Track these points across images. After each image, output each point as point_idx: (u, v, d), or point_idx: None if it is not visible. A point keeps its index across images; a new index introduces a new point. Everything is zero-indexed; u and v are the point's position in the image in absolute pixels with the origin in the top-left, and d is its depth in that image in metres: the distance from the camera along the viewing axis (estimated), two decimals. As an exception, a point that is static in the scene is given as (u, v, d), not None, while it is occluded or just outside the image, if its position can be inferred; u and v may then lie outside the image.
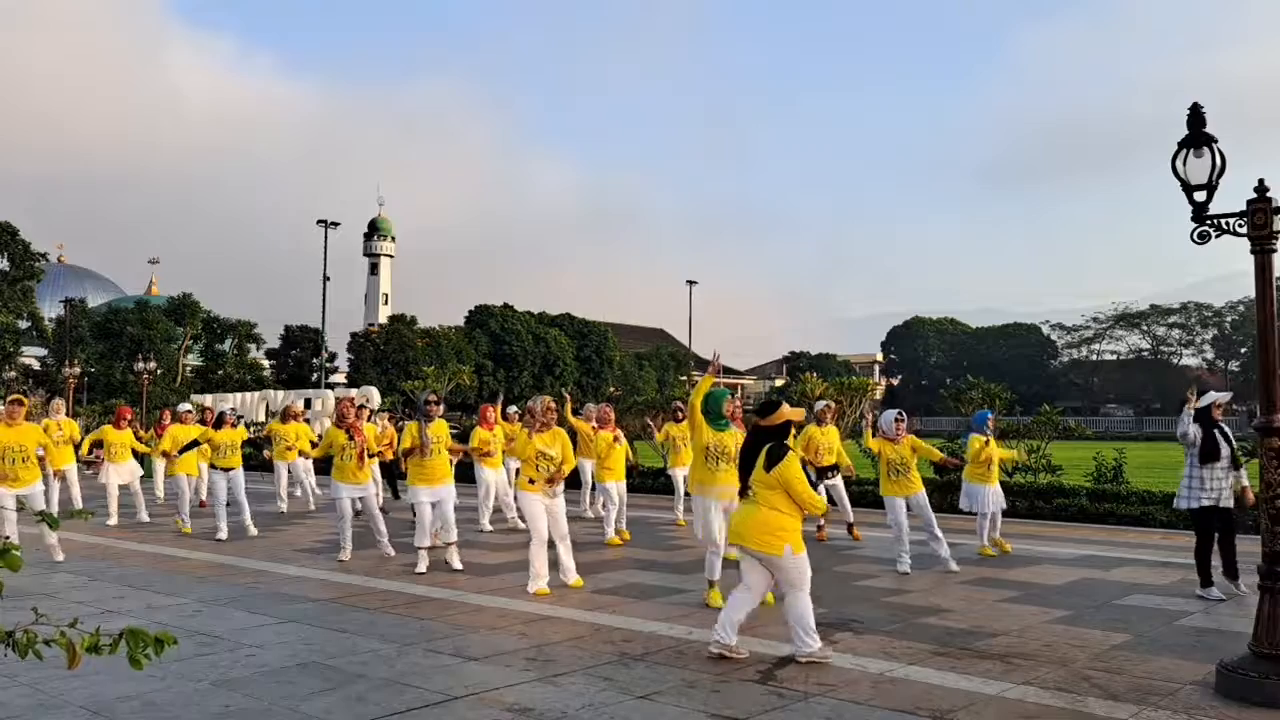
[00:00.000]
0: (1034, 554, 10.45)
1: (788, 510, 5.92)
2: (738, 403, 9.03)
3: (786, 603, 5.92)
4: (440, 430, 9.81)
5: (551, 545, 8.34)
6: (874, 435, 10.16)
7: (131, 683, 5.24)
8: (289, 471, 15.66)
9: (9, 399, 9.99)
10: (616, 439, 12.11)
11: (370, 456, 10.88)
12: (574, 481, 13.04)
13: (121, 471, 14.16)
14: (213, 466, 12.67)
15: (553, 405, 8.76)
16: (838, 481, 12.20)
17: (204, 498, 15.17)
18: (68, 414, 17.10)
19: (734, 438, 7.72)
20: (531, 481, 8.32)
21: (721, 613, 6.10)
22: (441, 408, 10.94)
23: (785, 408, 6.28)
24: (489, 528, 12.69)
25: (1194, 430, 8.12)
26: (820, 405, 13.19)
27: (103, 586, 8.62)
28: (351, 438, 10.28)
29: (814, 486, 6.08)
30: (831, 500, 12.13)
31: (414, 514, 10.03)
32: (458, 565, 9.36)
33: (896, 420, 9.69)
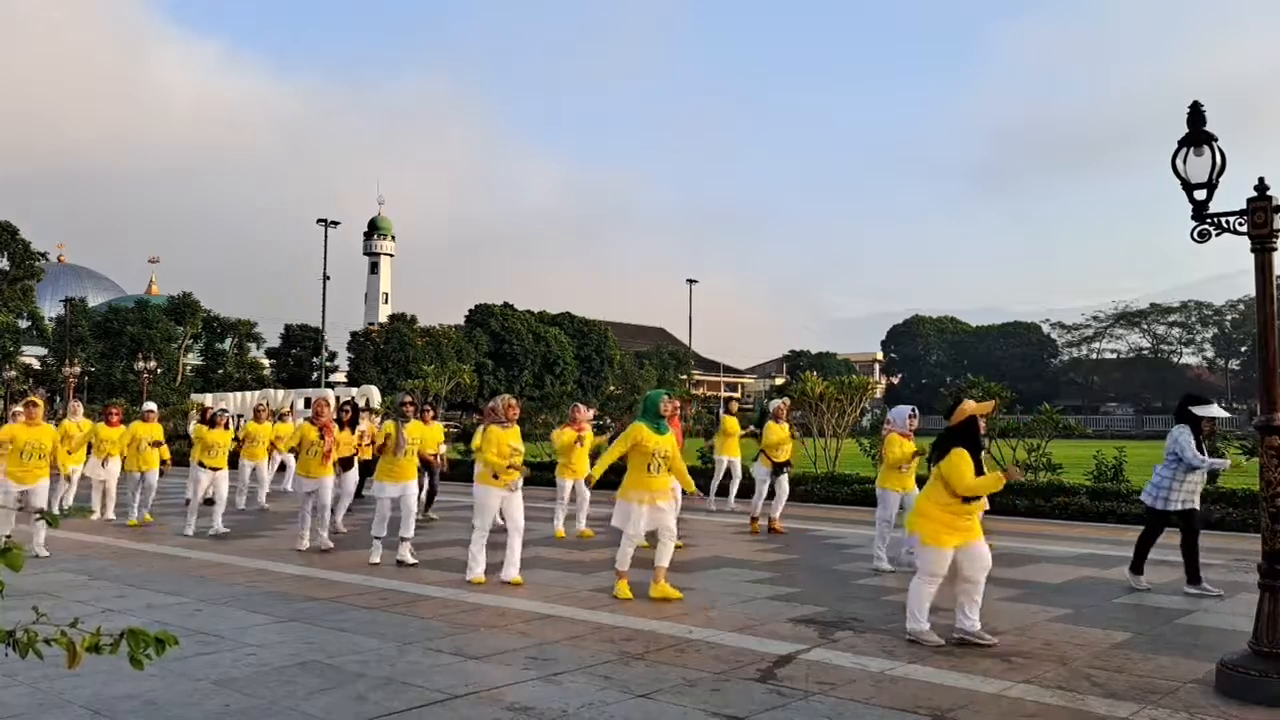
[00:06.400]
0: (1034, 552, 10.45)
1: (939, 501, 6.29)
2: (677, 402, 9.12)
3: (912, 580, 6.31)
4: (417, 431, 10.18)
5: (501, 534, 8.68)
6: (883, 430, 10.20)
7: (132, 682, 5.24)
8: (253, 470, 16.17)
9: (26, 401, 10.26)
10: (579, 439, 12.19)
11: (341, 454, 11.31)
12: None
13: (111, 468, 14.30)
14: (200, 465, 12.73)
15: (514, 403, 9.02)
16: (784, 477, 12.77)
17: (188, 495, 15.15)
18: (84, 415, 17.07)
19: (672, 441, 7.94)
20: (496, 476, 8.54)
21: (957, 609, 6.34)
22: (431, 410, 11.20)
23: (968, 403, 6.42)
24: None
25: (1193, 439, 8.18)
26: (776, 403, 13.46)
27: (103, 585, 8.62)
28: (322, 436, 10.73)
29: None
30: (772, 492, 12.60)
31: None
32: (411, 560, 9.59)
33: (911, 416, 9.69)
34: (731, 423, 15.17)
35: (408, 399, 10.52)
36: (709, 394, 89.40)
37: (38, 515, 2.61)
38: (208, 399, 39.36)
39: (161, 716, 4.78)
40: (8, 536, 2.23)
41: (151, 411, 14.75)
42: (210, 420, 13.27)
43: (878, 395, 75.93)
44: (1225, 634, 6.53)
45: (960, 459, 6.26)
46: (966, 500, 6.29)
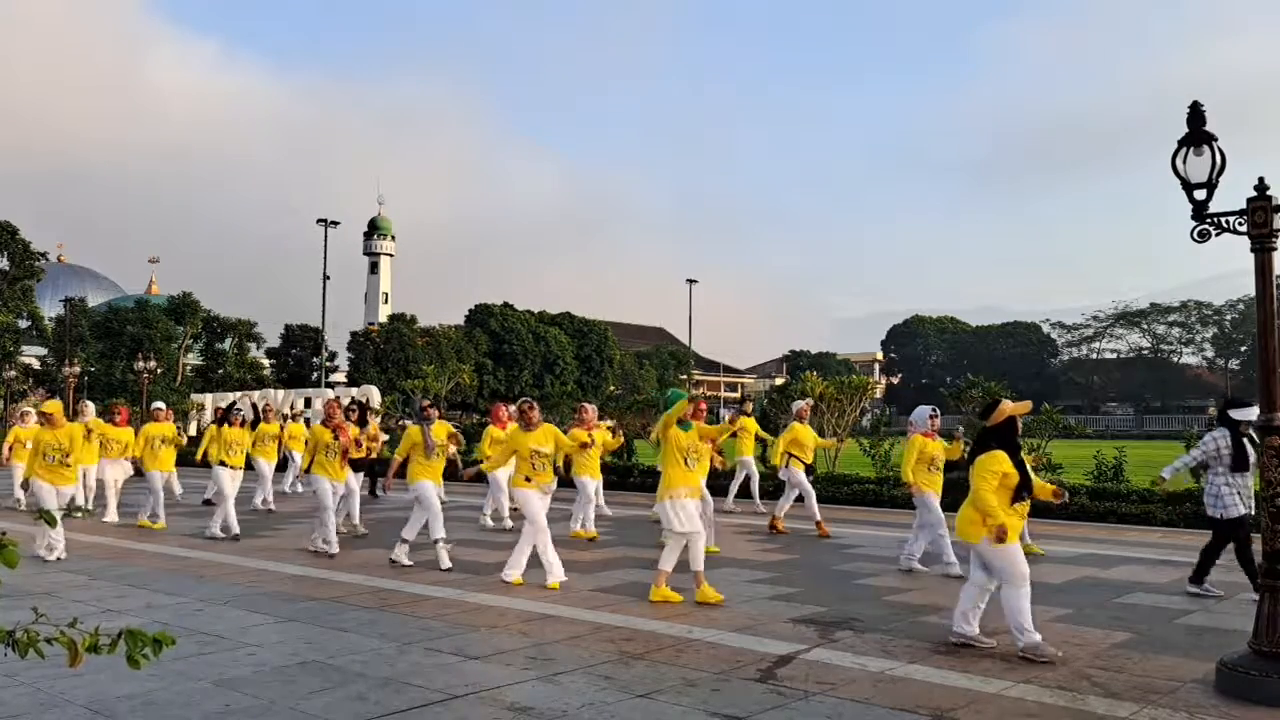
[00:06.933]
0: (1034, 552, 10.45)
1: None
2: (704, 405, 9.11)
3: (1001, 594, 6.04)
4: (442, 432, 10.00)
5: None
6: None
7: (132, 682, 5.24)
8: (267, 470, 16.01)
9: (41, 412, 10.38)
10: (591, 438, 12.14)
11: (355, 456, 11.19)
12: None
13: (118, 468, 14.29)
14: (222, 464, 12.67)
15: (526, 406, 8.96)
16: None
17: (209, 495, 15.12)
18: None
19: (696, 432, 8.01)
20: (528, 479, 8.57)
21: (957, 607, 6.26)
22: (437, 410, 11.20)
23: (1006, 404, 6.29)
24: (509, 524, 12.75)
25: (1225, 441, 8.03)
26: (799, 404, 13.41)
27: (103, 585, 8.62)
28: (336, 437, 10.63)
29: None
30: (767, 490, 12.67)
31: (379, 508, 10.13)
32: (406, 562, 9.51)
33: (931, 416, 9.54)
34: (750, 424, 15.22)
35: (427, 402, 10.49)
36: (709, 394, 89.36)
37: (36, 515, 2.61)
38: (208, 399, 39.40)
39: (161, 716, 4.78)
40: (3, 534, 2.23)
41: (159, 409, 14.65)
42: (227, 420, 13.19)
43: (877, 395, 75.87)
44: (1225, 634, 6.53)
45: (997, 462, 6.03)
46: (1017, 500, 6.10)
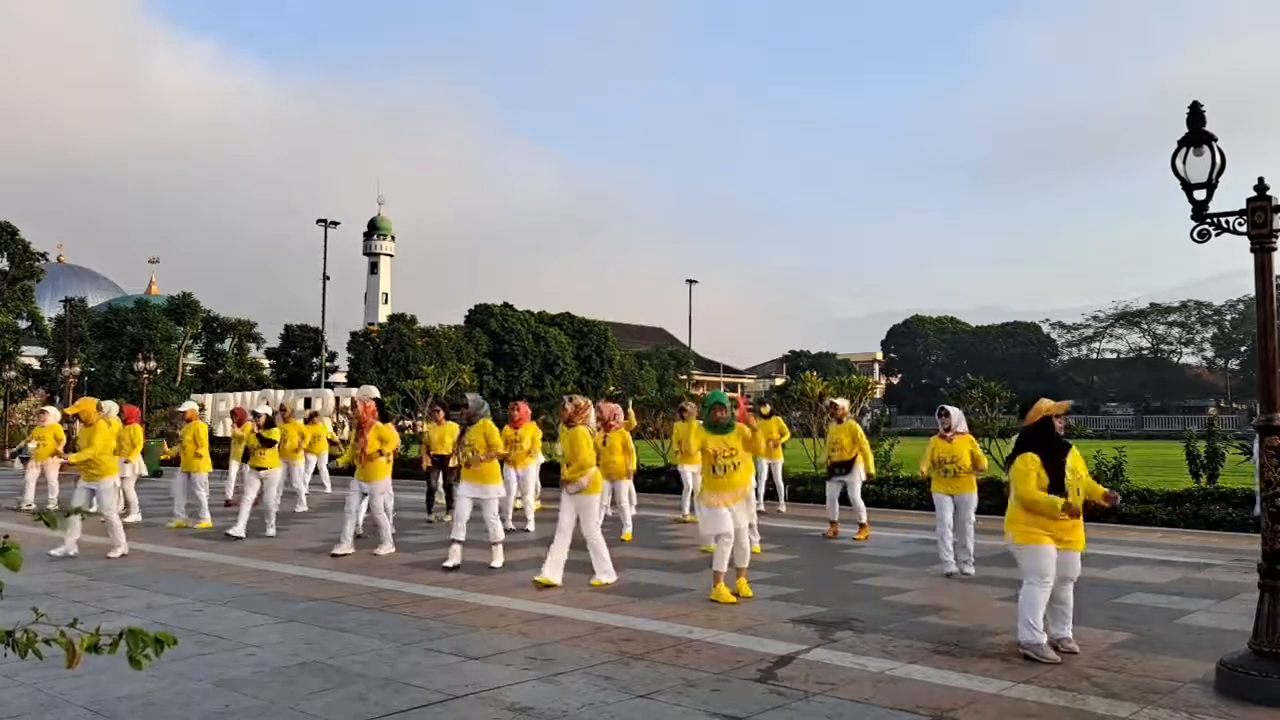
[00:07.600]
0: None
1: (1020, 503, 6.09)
2: (739, 407, 8.98)
3: (1020, 590, 6.05)
4: (477, 435, 9.82)
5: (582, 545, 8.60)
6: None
7: (132, 682, 5.24)
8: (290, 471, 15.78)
9: (67, 412, 10.50)
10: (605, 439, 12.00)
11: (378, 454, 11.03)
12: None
13: (124, 467, 14.32)
14: (244, 463, 12.67)
15: (566, 404, 9.00)
16: (852, 479, 12.01)
17: (230, 495, 15.05)
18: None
19: (738, 439, 7.89)
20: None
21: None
22: (442, 410, 11.07)
23: (1043, 402, 6.28)
24: (512, 526, 12.72)
25: None
26: (829, 402, 13.22)
27: (103, 586, 8.62)
28: (359, 434, 10.65)
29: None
30: (844, 499, 12.11)
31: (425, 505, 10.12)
32: (496, 563, 9.48)
33: (939, 415, 9.49)
34: (770, 425, 14.64)
35: (462, 400, 10.31)
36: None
37: (36, 516, 2.60)
38: (207, 399, 39.37)
39: (161, 717, 4.77)
40: (6, 536, 2.23)
41: (183, 411, 14.53)
42: (271, 423, 13.10)
43: (877, 395, 75.84)
44: (1225, 634, 6.53)
45: (1025, 464, 5.99)
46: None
